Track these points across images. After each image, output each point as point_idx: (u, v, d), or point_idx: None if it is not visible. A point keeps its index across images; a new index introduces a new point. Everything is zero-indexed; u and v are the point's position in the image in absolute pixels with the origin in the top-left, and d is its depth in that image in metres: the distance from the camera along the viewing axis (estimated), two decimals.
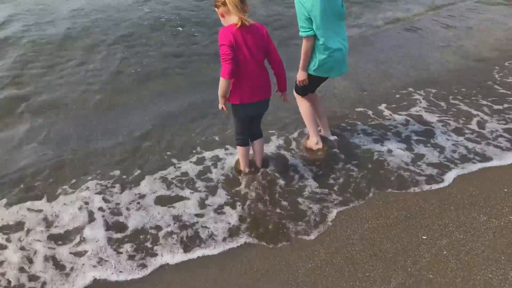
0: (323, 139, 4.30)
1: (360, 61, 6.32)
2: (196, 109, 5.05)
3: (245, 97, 3.31)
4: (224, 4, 3.12)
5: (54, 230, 3.36)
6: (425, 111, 4.99)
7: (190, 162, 4.12)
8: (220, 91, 3.27)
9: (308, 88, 4.05)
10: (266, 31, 3.28)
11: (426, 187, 3.78)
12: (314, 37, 3.65)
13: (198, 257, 3.14)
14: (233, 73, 3.15)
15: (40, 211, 3.54)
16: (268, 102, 3.52)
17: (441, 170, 4.00)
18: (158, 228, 3.38)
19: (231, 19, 3.17)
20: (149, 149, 4.34)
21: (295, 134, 4.53)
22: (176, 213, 3.52)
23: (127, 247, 3.21)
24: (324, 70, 3.85)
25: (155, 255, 3.16)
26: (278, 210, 3.53)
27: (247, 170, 3.93)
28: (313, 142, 4.28)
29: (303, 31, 3.63)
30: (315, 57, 3.76)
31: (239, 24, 3.10)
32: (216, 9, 3.23)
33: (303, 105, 4.16)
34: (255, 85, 3.33)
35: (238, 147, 3.82)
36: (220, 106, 3.39)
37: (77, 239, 3.27)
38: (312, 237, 3.28)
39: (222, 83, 3.20)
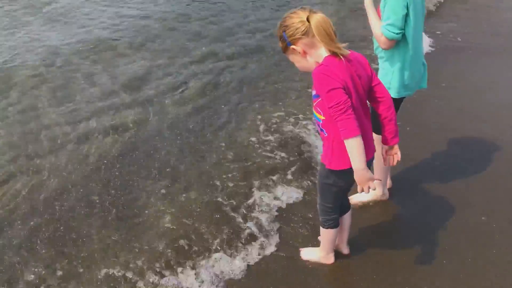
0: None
1: None
2: None
3: None
4: (306, 34, 2.07)
5: None
6: None
7: None
8: (359, 159, 2.04)
9: None
10: (367, 61, 2.28)
11: None
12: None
13: None
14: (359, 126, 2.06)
15: None
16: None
17: None
18: None
19: (319, 54, 2.12)
20: None
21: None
22: None
23: None
24: (410, 88, 2.78)
25: None
26: None
27: (333, 259, 2.74)
28: (380, 193, 3.19)
29: (394, 32, 2.52)
30: (401, 70, 2.70)
31: (340, 57, 2.07)
32: (292, 47, 2.13)
33: None
34: (367, 138, 2.22)
35: (328, 231, 2.60)
36: (371, 182, 2.09)
37: None
38: None
39: (356, 144, 2.02)
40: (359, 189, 2.10)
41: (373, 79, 2.26)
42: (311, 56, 2.14)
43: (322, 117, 2.20)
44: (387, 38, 2.56)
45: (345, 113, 2.00)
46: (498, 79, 5.10)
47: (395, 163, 2.39)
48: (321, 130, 2.26)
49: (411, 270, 2.65)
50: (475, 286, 2.52)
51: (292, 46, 2.13)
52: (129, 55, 5.70)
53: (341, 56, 2.08)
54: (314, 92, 2.18)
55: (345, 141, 2.04)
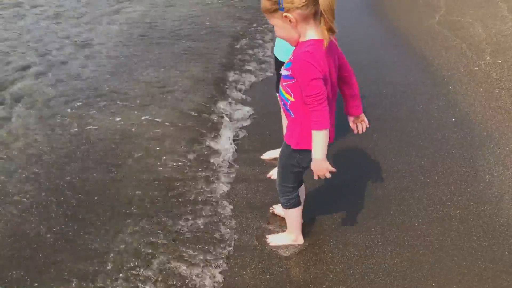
0: None
1: None
2: None
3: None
4: (306, 6, 1.96)
5: None
6: None
7: None
8: (322, 151, 2.12)
9: None
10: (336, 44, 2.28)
11: None
12: None
13: None
14: None
15: None
16: None
17: None
18: None
19: (307, 32, 2.06)
20: None
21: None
22: None
23: None
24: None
25: None
26: None
27: (302, 239, 2.72)
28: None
29: None
30: None
31: (326, 43, 2.03)
32: (285, 14, 2.00)
33: None
34: (333, 122, 2.30)
35: (293, 211, 2.57)
36: (328, 172, 2.18)
37: None
38: None
39: (323, 137, 2.10)
40: (315, 176, 2.21)
41: (340, 59, 2.25)
42: (299, 29, 2.05)
43: (292, 99, 2.18)
44: None
45: (322, 104, 2.04)
46: None
47: (364, 129, 2.46)
48: (287, 110, 2.25)
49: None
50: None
51: (286, 14, 2.00)
52: None
53: (326, 43, 2.03)
54: (287, 73, 2.14)
55: (313, 132, 2.09)
